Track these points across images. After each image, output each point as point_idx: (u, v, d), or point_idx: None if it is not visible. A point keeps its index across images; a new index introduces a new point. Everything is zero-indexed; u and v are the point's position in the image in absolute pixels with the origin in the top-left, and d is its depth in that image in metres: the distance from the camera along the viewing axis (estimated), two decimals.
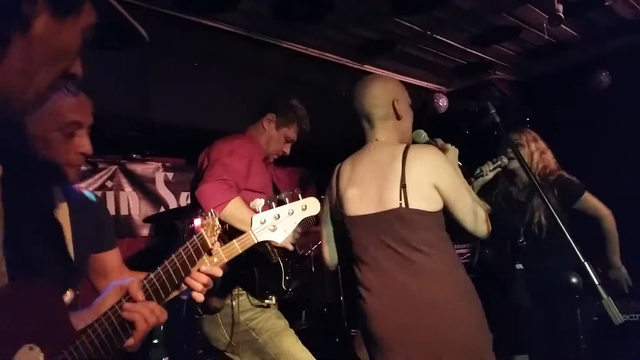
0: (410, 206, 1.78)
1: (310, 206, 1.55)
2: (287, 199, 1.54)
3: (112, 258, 1.56)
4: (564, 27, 3.86)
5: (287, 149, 2.68)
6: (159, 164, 4.85)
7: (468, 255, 4.95)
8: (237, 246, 1.40)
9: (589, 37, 4.04)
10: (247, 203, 2.42)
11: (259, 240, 1.43)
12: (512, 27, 3.71)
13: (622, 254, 2.84)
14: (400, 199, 1.79)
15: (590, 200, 2.79)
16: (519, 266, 2.75)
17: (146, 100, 4.07)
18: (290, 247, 2.40)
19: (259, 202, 1.48)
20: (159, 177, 4.85)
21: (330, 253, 2.14)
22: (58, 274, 1.20)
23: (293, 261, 2.61)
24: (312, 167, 6.56)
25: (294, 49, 3.68)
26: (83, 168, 4.31)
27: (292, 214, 1.51)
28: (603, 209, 2.79)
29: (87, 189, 4.39)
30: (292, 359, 2.37)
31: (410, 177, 1.79)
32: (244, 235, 1.43)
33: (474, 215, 1.81)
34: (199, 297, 1.29)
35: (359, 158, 2.00)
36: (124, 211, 4.73)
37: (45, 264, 1.25)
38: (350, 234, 1.96)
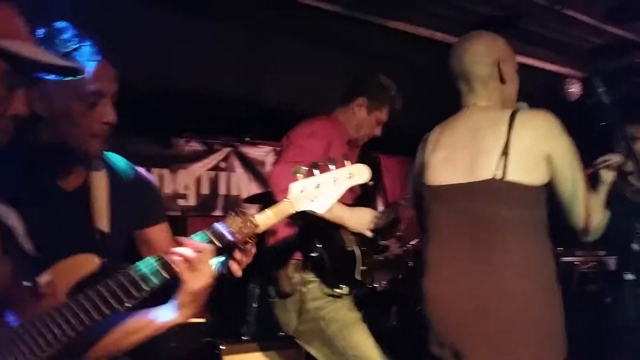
0: (507, 177, 1.54)
1: (357, 174, 1.38)
2: (332, 167, 1.38)
3: (159, 233, 1.53)
4: None
5: (378, 131, 2.58)
6: (270, 148, 5.00)
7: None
8: (271, 215, 1.28)
9: None
10: None
11: (298, 210, 1.30)
12: None
13: None
14: (497, 169, 1.56)
15: None
16: (630, 276, 2.34)
17: (260, 82, 4.18)
18: (368, 234, 2.27)
19: (301, 169, 1.34)
20: (269, 160, 4.98)
21: None
22: (83, 247, 1.19)
23: (371, 251, 2.46)
24: None
25: (398, 27, 3.46)
26: (199, 148, 4.61)
27: (335, 181, 1.35)
28: None
29: (203, 168, 4.79)
30: (361, 354, 2.26)
31: (516, 143, 1.55)
32: (279, 204, 1.31)
33: (586, 207, 1.54)
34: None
35: (451, 122, 1.80)
36: (234, 191, 4.94)
37: (66, 238, 1.25)
38: (428, 207, 1.76)
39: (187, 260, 1.15)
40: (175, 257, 1.16)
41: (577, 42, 3.76)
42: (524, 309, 1.52)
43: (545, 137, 1.56)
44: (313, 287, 2.30)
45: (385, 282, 3.96)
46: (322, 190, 1.33)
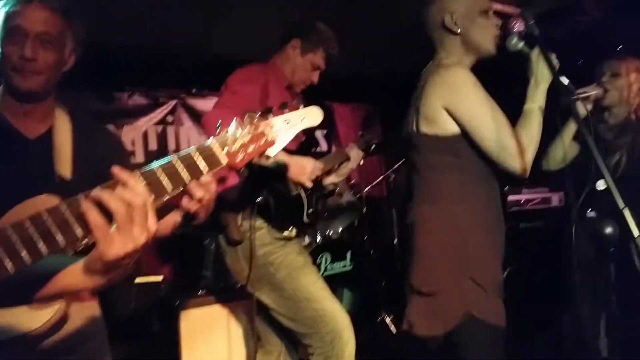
0: (420, 130, 1.74)
1: (310, 116, 1.38)
2: (286, 110, 1.37)
3: None
4: None
5: (314, 78, 2.53)
6: None
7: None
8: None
9: None
10: None
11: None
12: None
13: None
14: (413, 123, 1.78)
15: None
16: (592, 213, 2.33)
17: (207, 33, 4.01)
18: (308, 184, 2.26)
19: (253, 115, 1.31)
20: None
21: None
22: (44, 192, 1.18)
23: (318, 194, 2.48)
24: (377, 102, 6.27)
25: None
26: (143, 102, 4.44)
27: (288, 123, 1.33)
28: None
29: (149, 123, 4.63)
30: (310, 295, 2.29)
31: (423, 99, 1.72)
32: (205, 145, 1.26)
33: (500, 148, 1.61)
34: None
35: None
36: (184, 145, 4.82)
37: (28, 184, 1.23)
38: None
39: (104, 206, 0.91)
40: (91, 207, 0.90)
41: None
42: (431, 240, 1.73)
43: (445, 91, 1.67)
44: (262, 233, 2.31)
45: (340, 229, 4.03)
46: (277, 133, 1.30)
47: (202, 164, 1.06)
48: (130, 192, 0.91)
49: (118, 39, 3.63)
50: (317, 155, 2.59)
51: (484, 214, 1.71)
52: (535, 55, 1.65)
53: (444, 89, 1.67)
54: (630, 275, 1.98)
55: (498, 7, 1.89)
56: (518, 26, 4.01)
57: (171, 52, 4.21)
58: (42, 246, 0.90)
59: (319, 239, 3.70)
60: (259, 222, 2.31)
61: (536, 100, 1.66)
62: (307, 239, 3.81)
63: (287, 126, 1.31)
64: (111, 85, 4.43)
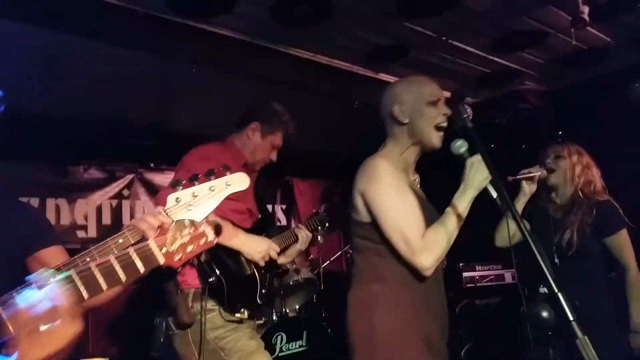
0: (350, 215, 1.81)
1: (236, 182, 1.42)
2: (211, 177, 1.42)
3: (53, 256, 1.51)
4: (595, 31, 3.56)
5: (273, 156, 2.56)
6: None
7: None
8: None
9: (623, 43, 3.70)
10: (224, 213, 2.32)
11: (175, 219, 1.29)
12: (536, 31, 3.43)
13: None
14: (350, 208, 1.82)
15: (621, 241, 2.43)
16: (543, 290, 2.27)
17: (165, 110, 4.09)
18: (261, 263, 2.25)
19: (180, 182, 1.37)
20: None
21: None
22: None
23: (272, 274, 2.45)
24: (337, 178, 6.41)
25: (302, 55, 3.55)
26: (99, 176, 4.36)
27: (213, 190, 1.38)
28: (630, 260, 2.42)
29: (104, 197, 4.55)
30: None
31: (353, 186, 1.78)
32: (144, 245, 1.28)
33: (402, 240, 1.63)
34: None
35: None
36: None
37: None
38: None
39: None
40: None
41: (465, 71, 4.03)
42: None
43: (363, 180, 1.72)
44: (213, 316, 2.23)
45: (297, 307, 3.96)
46: (199, 199, 1.35)
47: (139, 264, 1.09)
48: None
49: (75, 112, 3.65)
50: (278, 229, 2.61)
51: (403, 294, 1.70)
52: (470, 163, 1.63)
53: (362, 177, 1.73)
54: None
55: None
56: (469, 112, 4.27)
57: (129, 126, 4.24)
58: None
59: (274, 317, 3.62)
60: (211, 304, 2.24)
61: (459, 207, 1.65)
62: (263, 318, 3.71)
63: (212, 193, 1.37)
64: (66, 159, 4.38)
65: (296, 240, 2.62)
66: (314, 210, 3.00)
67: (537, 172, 2.39)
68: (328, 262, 4.75)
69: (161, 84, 3.60)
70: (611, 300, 2.42)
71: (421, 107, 1.79)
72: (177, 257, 1.18)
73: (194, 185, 1.37)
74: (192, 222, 1.23)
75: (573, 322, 1.14)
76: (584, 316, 2.31)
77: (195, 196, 1.35)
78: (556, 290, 1.18)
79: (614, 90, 3.93)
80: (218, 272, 2.22)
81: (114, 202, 4.62)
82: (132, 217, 4.70)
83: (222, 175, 1.41)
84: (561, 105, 4.45)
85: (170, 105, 4.00)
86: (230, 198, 2.25)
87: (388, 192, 1.67)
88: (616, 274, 3.05)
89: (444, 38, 3.45)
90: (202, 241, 1.24)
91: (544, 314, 1.12)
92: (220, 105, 3.58)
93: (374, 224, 1.70)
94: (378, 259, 1.72)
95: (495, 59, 3.87)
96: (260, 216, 2.50)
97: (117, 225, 4.56)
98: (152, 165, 4.79)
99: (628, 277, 2.41)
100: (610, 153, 3.90)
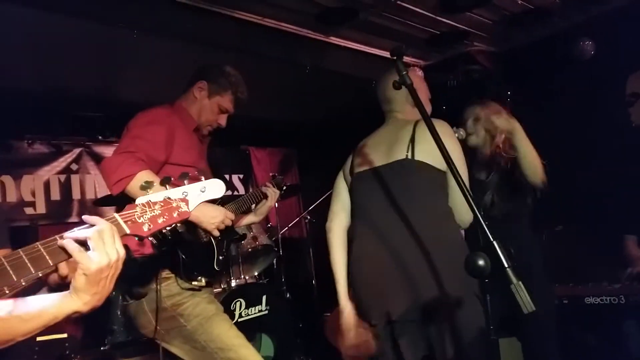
0: (416, 157, 1.99)
1: (211, 189, 1.41)
2: (185, 181, 1.40)
3: None
4: None
5: (222, 121, 2.48)
6: None
7: None
8: None
9: (568, 1, 3.77)
10: (174, 182, 2.28)
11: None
12: None
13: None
14: (407, 151, 2.02)
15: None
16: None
17: (111, 79, 3.94)
18: (216, 233, 2.24)
19: (151, 184, 1.34)
20: None
21: (338, 225, 2.27)
22: None
23: (229, 240, 2.45)
24: (294, 145, 6.40)
25: (248, 19, 3.46)
26: (45, 150, 4.24)
27: (186, 196, 1.36)
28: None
29: (51, 172, 4.40)
30: (224, 345, 2.21)
31: (420, 134, 2.01)
32: (109, 217, 1.26)
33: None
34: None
35: (376, 131, 2.29)
36: (89, 195, 4.62)
37: None
38: (355, 191, 2.21)
39: (78, 240, 1.12)
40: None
41: (414, 32, 4.03)
42: (431, 255, 1.88)
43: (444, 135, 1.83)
44: (169, 284, 2.22)
45: (256, 273, 3.99)
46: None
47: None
48: (98, 221, 1.16)
49: (16, 84, 3.48)
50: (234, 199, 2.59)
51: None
52: None
53: (442, 133, 1.90)
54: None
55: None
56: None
57: (74, 98, 4.08)
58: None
59: (233, 284, 3.64)
60: (166, 272, 2.22)
61: None
62: (222, 285, 3.73)
63: (183, 197, 1.35)
64: (9, 134, 4.20)
65: (265, 197, 2.66)
66: (272, 174, 3.00)
67: (455, 134, 2.44)
68: (287, 228, 4.79)
69: (104, 52, 3.46)
70: (540, 255, 2.56)
71: (424, 97, 2.31)
72: (145, 227, 1.26)
73: (167, 189, 1.33)
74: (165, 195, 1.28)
75: (507, 269, 1.19)
76: (517, 270, 2.49)
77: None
78: (491, 239, 1.22)
79: (560, 49, 4.02)
80: (172, 241, 2.19)
81: (63, 177, 4.48)
82: (82, 191, 4.57)
83: (197, 180, 1.39)
84: (510, 65, 4.54)
85: (115, 74, 3.86)
86: (181, 164, 2.23)
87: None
88: (563, 228, 3.23)
89: None
90: (176, 213, 1.31)
91: (480, 262, 1.16)
92: (167, 72, 3.47)
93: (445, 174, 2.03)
94: (443, 199, 2.05)
95: (444, 20, 3.87)
96: None
97: (66, 200, 4.44)
98: (100, 137, 4.65)
99: None
100: (558, 112, 4.05)
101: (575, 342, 3.34)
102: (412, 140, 2.02)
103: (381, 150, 2.15)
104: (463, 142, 2.52)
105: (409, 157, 2.01)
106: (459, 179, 1.39)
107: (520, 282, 1.18)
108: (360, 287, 2.13)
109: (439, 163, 1.99)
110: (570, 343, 3.15)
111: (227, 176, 5.68)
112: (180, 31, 3.40)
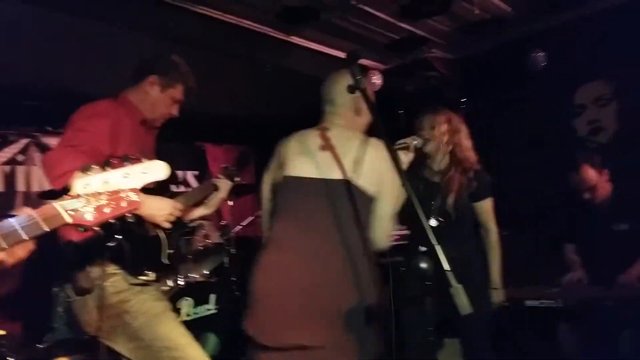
0: (358, 182, 1.87)
1: (153, 170, 1.35)
2: (126, 163, 1.34)
3: None
4: (496, 1, 3.72)
5: (175, 111, 2.45)
6: None
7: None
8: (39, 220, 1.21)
9: (523, 13, 3.90)
10: None
11: None
12: None
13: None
14: (351, 172, 1.89)
15: (489, 207, 2.73)
16: (423, 249, 2.60)
17: (62, 68, 3.80)
18: (166, 225, 2.20)
19: (90, 167, 1.28)
20: None
21: None
22: None
23: (178, 233, 2.40)
24: (251, 143, 6.34)
25: (209, 14, 3.41)
26: None
27: (127, 178, 1.30)
28: (494, 223, 2.73)
29: None
30: (170, 344, 2.16)
31: (368, 156, 1.88)
32: (49, 206, 1.21)
33: (388, 222, 1.88)
34: None
35: (310, 132, 2.12)
36: (36, 187, 4.44)
37: None
38: (281, 197, 2.06)
39: None
40: None
41: (375, 36, 4.08)
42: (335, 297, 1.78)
43: (385, 163, 1.81)
44: (116, 279, 2.16)
45: (206, 272, 3.93)
46: (112, 187, 1.28)
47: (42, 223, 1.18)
48: None
49: None
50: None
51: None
52: None
53: (386, 158, 1.84)
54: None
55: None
56: (376, 78, 4.34)
57: (22, 87, 3.92)
58: None
59: (181, 282, 3.58)
60: (112, 268, 2.15)
61: None
62: (169, 283, 3.66)
63: (126, 181, 1.29)
64: None
65: (216, 189, 2.58)
66: (223, 166, 2.94)
67: (411, 142, 2.60)
68: (240, 226, 4.75)
69: (55, 41, 3.34)
70: (480, 260, 2.69)
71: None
72: (89, 217, 1.22)
73: (107, 171, 1.28)
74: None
75: (448, 272, 1.22)
76: (460, 273, 2.59)
77: (107, 183, 1.27)
78: (434, 243, 1.26)
79: (513, 59, 4.15)
80: (119, 235, 2.14)
81: (7, 168, 4.30)
82: (27, 184, 4.40)
83: (138, 162, 1.33)
84: (466, 73, 4.66)
85: (67, 63, 3.73)
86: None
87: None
88: (508, 233, 3.35)
89: (354, 2, 3.45)
90: (124, 203, 1.26)
91: (423, 265, 1.19)
92: (123, 64, 3.38)
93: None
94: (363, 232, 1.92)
95: (404, 25, 3.94)
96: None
97: (10, 192, 4.26)
98: (49, 128, 4.48)
99: (492, 239, 2.71)
100: (509, 121, 4.19)
101: (516, 343, 3.49)
102: (358, 163, 1.90)
103: (320, 158, 2.00)
104: (419, 149, 2.65)
105: (351, 180, 1.89)
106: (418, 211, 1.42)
107: (459, 286, 1.22)
108: (260, 301, 2.02)
109: (374, 189, 1.92)
110: (511, 344, 3.29)
111: (181, 173, 5.58)
112: (139, 23, 3.33)
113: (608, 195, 3.12)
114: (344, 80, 1.96)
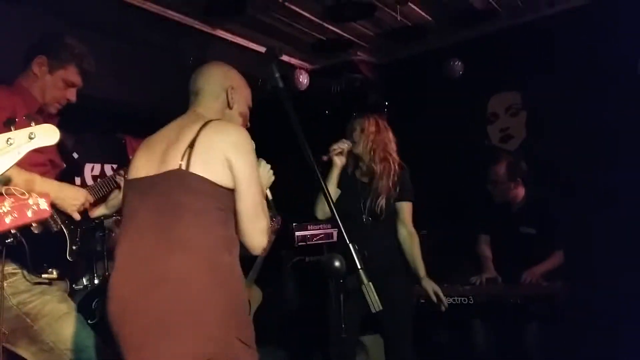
0: (192, 169, 1.59)
1: (42, 135, 1.26)
2: (12, 128, 1.25)
3: None
4: (418, 10, 3.85)
5: (71, 96, 2.29)
6: None
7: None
8: None
9: (443, 23, 4.07)
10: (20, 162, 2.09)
11: None
12: (366, 3, 3.58)
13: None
14: (182, 159, 1.60)
15: (409, 210, 2.85)
16: (355, 246, 2.70)
17: None
18: (77, 216, 2.11)
19: None
20: None
21: None
22: None
23: (83, 228, 2.29)
24: None
25: (129, 1, 3.27)
26: None
27: (11, 144, 1.21)
28: (411, 225, 2.85)
29: None
30: (74, 346, 2.08)
31: (203, 140, 1.61)
32: None
33: (255, 217, 1.64)
34: None
35: (167, 126, 1.83)
36: None
37: None
38: (124, 199, 1.79)
39: None
40: None
41: (301, 36, 4.10)
42: (181, 295, 1.50)
43: (232, 145, 1.63)
44: (15, 280, 2.03)
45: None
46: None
47: None
48: None
49: None
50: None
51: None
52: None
53: (231, 142, 1.73)
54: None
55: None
56: (302, 77, 4.34)
57: None
58: None
59: (96, 281, 3.42)
60: (12, 267, 2.02)
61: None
62: (84, 281, 3.49)
63: (10, 147, 1.20)
64: None
65: (118, 187, 2.44)
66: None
67: (344, 146, 2.75)
68: None
69: None
70: (400, 257, 2.84)
71: (242, 101, 1.93)
72: None
73: None
74: (14, 192, 1.16)
75: (360, 270, 1.26)
76: (387, 268, 2.69)
77: None
78: (348, 242, 1.28)
79: (433, 66, 4.32)
80: (17, 232, 2.00)
81: None
82: None
83: (26, 125, 1.24)
84: (389, 77, 4.80)
85: None
86: None
87: (256, 168, 1.74)
88: (426, 232, 3.49)
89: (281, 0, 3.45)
90: (29, 212, 1.20)
91: (336, 263, 1.21)
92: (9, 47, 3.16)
93: (232, 192, 1.65)
94: (224, 226, 1.64)
95: (330, 27, 3.99)
96: (65, 167, 2.30)
97: None
98: None
99: (414, 239, 2.84)
100: (428, 125, 4.36)
101: (431, 339, 3.65)
102: (191, 146, 1.61)
103: (157, 152, 1.70)
104: (349, 151, 2.79)
105: (183, 167, 1.59)
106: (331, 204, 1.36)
107: (370, 283, 1.25)
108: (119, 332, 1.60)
109: (222, 179, 1.61)
110: (427, 340, 3.44)
111: (99, 165, 5.31)
112: (52, 8, 3.12)
113: (521, 198, 3.35)
114: (218, 70, 1.93)
